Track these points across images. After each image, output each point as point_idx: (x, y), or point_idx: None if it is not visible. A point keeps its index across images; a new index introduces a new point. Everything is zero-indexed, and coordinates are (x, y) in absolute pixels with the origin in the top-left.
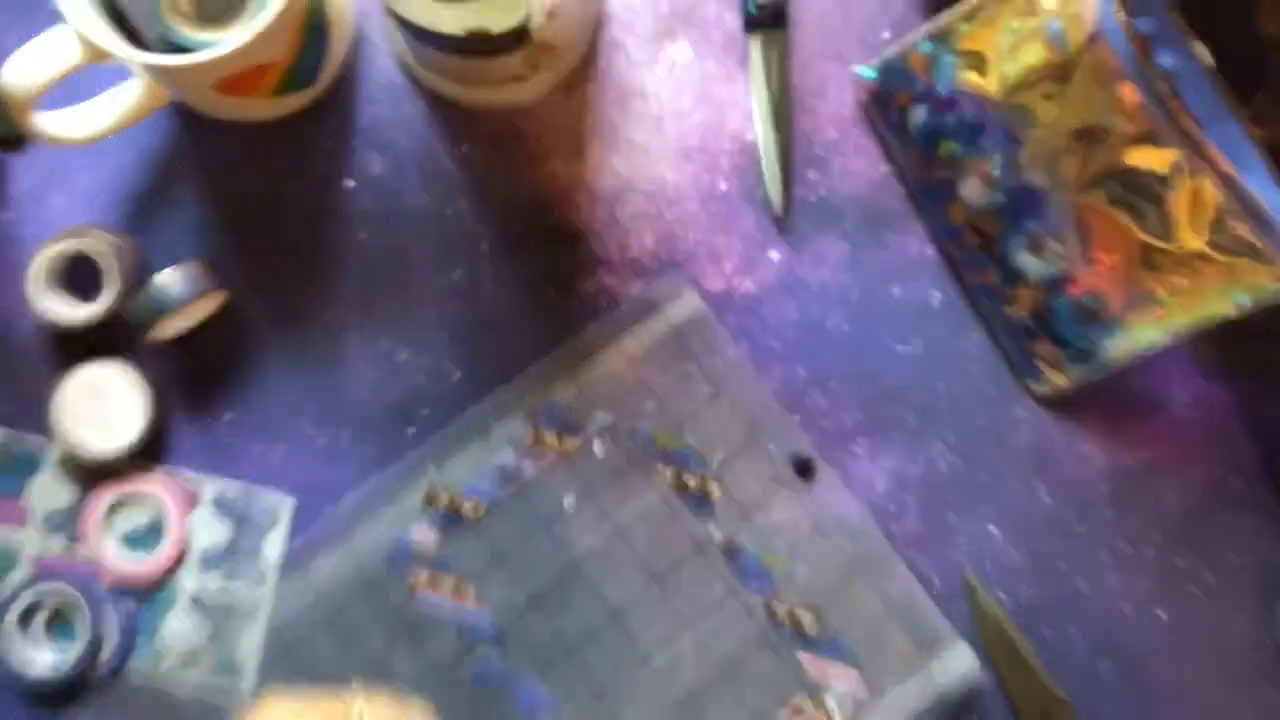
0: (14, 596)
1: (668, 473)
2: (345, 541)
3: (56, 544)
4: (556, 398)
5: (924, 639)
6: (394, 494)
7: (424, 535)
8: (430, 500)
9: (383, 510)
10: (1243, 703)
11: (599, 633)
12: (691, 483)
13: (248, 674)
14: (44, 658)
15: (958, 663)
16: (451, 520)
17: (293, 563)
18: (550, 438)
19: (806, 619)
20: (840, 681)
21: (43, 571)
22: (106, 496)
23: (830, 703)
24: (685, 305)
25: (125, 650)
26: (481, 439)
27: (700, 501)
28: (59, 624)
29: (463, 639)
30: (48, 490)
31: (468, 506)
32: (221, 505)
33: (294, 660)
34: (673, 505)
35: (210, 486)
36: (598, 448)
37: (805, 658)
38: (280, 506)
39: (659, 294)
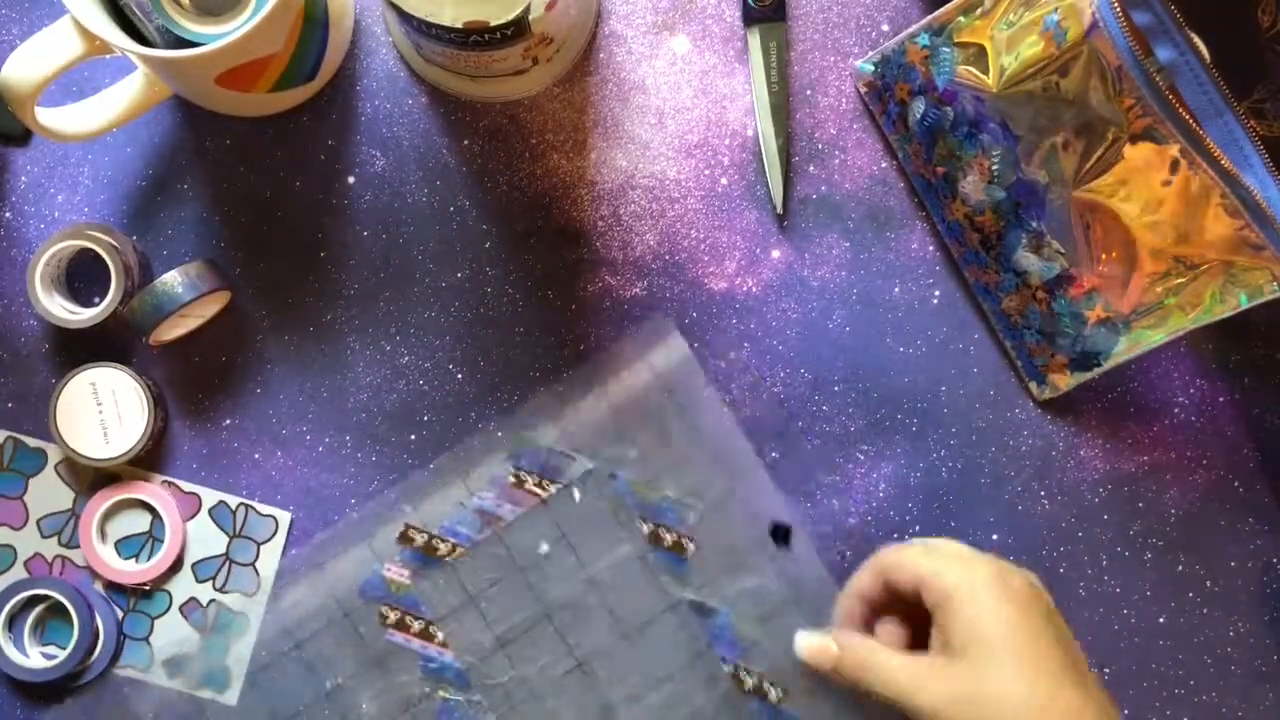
0: (9, 595)
1: (645, 526)
2: (318, 573)
3: (53, 545)
4: (540, 441)
5: None
6: (369, 530)
7: (397, 573)
8: (405, 539)
9: (357, 546)
10: (1242, 705)
11: (565, 683)
12: (668, 538)
13: (235, 684)
14: (35, 655)
15: None
16: (426, 560)
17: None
18: (531, 481)
19: (773, 693)
20: None
21: (38, 572)
22: (105, 501)
23: None
24: (670, 351)
25: (115, 652)
26: (461, 479)
27: (675, 559)
28: (52, 623)
29: (428, 677)
30: (47, 492)
31: (443, 548)
32: (219, 516)
33: (266, 686)
34: (648, 560)
35: (209, 496)
36: (577, 494)
37: None
38: (277, 520)
39: (643, 338)
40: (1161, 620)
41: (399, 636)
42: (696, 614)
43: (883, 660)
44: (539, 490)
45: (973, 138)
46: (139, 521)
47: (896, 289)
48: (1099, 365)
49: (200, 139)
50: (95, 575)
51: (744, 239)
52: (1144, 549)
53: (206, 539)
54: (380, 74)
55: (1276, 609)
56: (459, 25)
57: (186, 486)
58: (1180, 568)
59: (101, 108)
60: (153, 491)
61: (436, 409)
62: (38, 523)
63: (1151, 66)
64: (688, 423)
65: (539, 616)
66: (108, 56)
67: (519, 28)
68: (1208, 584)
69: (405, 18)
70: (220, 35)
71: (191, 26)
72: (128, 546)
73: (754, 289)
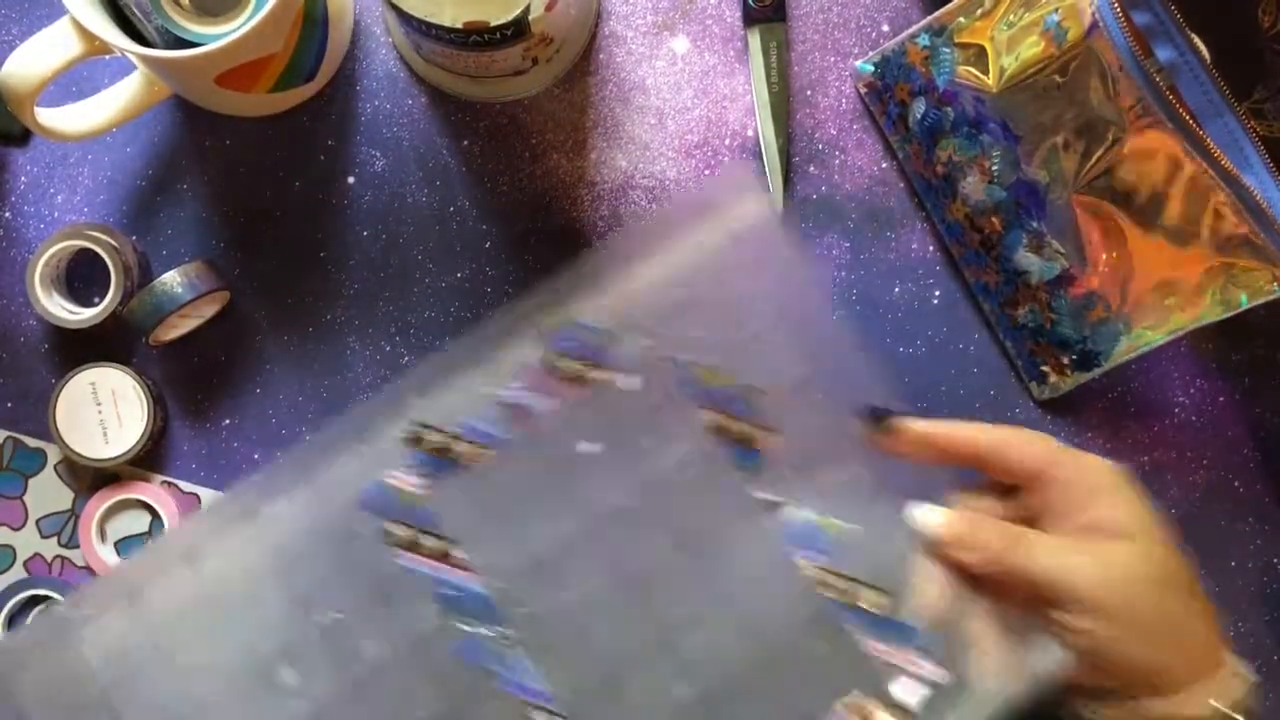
0: (9, 595)
1: (710, 417)
2: (309, 485)
3: (53, 545)
4: (580, 318)
5: (1014, 624)
6: (371, 431)
7: (406, 482)
8: (415, 440)
9: (356, 449)
10: None
11: (615, 608)
12: (738, 430)
13: None
14: None
15: (1052, 653)
16: (441, 465)
17: (244, 508)
18: (569, 367)
19: (871, 596)
20: (912, 672)
21: (38, 572)
22: (104, 502)
23: (901, 696)
24: (750, 208)
25: None
26: (484, 367)
27: (747, 454)
28: None
29: (445, 608)
30: (47, 492)
31: (462, 449)
32: None
33: (236, 623)
34: (714, 457)
35: (209, 496)
36: (626, 382)
37: (870, 644)
38: None
39: (717, 192)
40: None
41: (410, 560)
42: (772, 514)
43: (1031, 539)
44: (579, 378)
45: (973, 138)
46: (139, 522)
47: (896, 289)
48: (1099, 365)
49: (200, 139)
50: (95, 575)
51: None
52: None
53: None
54: (380, 74)
55: (1276, 609)
56: (459, 26)
57: (186, 486)
58: None
59: (101, 108)
60: (152, 492)
61: None
62: (37, 523)
63: (1151, 66)
64: (766, 296)
65: (583, 531)
66: (107, 56)
67: (519, 28)
68: (1208, 584)
69: (405, 18)
70: (220, 35)
71: (191, 26)
72: (127, 547)
73: None
